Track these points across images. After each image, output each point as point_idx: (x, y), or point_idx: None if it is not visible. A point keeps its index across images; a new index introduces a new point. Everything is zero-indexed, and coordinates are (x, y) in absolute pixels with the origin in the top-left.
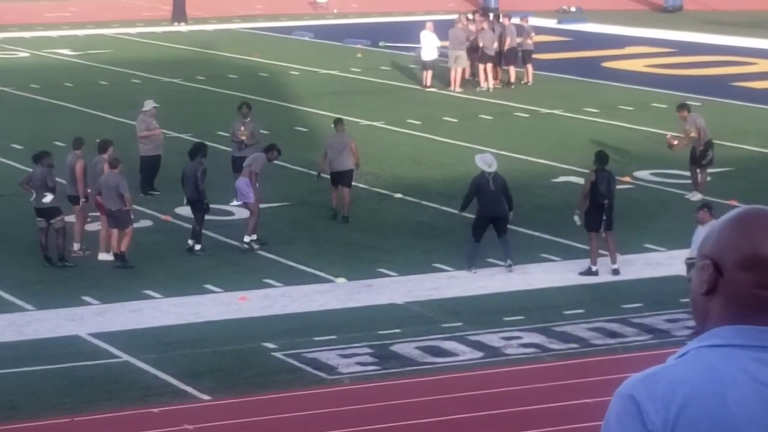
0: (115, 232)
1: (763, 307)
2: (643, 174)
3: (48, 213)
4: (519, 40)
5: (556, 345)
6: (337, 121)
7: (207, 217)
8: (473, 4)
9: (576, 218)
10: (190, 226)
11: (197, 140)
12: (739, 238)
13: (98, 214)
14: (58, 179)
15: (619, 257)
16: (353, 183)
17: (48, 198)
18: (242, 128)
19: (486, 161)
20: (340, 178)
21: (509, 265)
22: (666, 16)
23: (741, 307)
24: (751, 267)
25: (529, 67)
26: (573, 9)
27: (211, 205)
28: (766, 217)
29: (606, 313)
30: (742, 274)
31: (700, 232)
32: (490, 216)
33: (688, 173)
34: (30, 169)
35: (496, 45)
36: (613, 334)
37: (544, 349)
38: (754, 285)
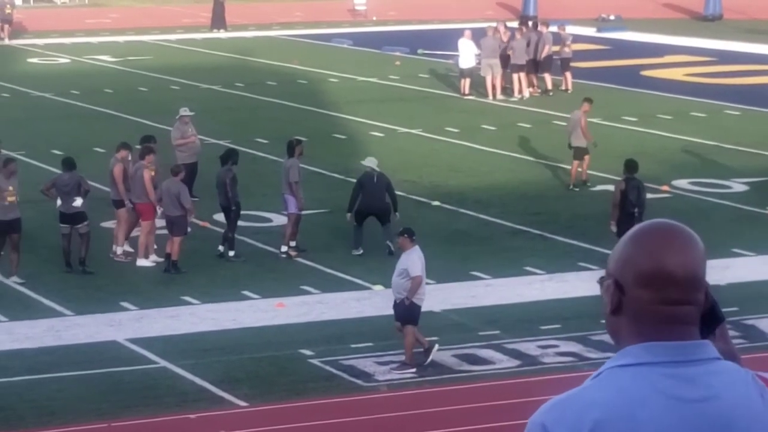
0: (177, 239)
1: (668, 323)
2: (682, 183)
3: (75, 218)
4: (555, 48)
5: (593, 354)
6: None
7: (245, 223)
8: (512, 12)
9: (612, 228)
10: (228, 233)
11: (238, 147)
12: (637, 255)
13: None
14: (96, 185)
15: None
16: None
17: (78, 202)
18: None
19: (372, 161)
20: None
21: (390, 251)
22: (706, 24)
23: (647, 324)
24: (650, 283)
25: (568, 74)
26: (612, 17)
27: (250, 212)
28: (663, 233)
29: None
30: (642, 291)
31: (402, 260)
32: (371, 211)
33: (725, 182)
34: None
35: (529, 53)
36: None
37: (581, 358)
38: (655, 301)
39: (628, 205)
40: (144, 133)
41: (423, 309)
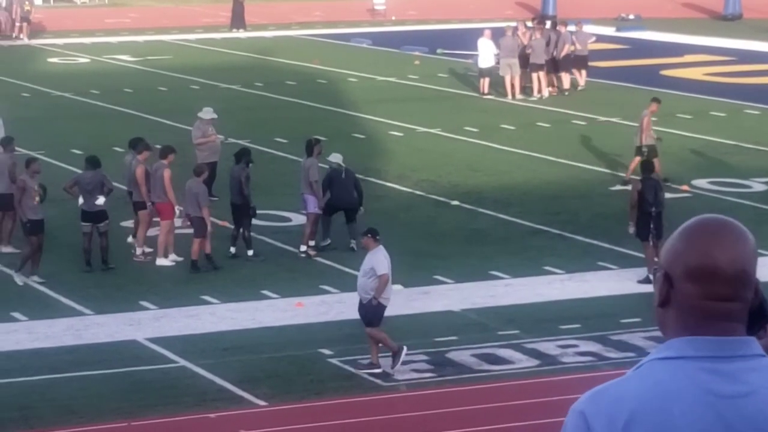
0: (196, 240)
1: (713, 318)
2: (701, 183)
3: (97, 216)
4: (572, 48)
5: (612, 354)
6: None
7: (264, 223)
8: (531, 12)
9: (630, 228)
10: (245, 232)
11: (257, 147)
12: (686, 250)
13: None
14: (115, 184)
15: None
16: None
17: (101, 201)
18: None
19: (338, 157)
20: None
21: (352, 248)
22: (725, 24)
23: (692, 318)
24: (697, 278)
25: (584, 72)
26: (632, 17)
27: (270, 212)
28: (713, 228)
29: None
30: (690, 285)
31: (367, 260)
32: (341, 206)
33: (745, 182)
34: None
35: (548, 53)
36: None
37: (600, 357)
38: (701, 296)
39: (646, 205)
40: (164, 133)
41: (442, 308)
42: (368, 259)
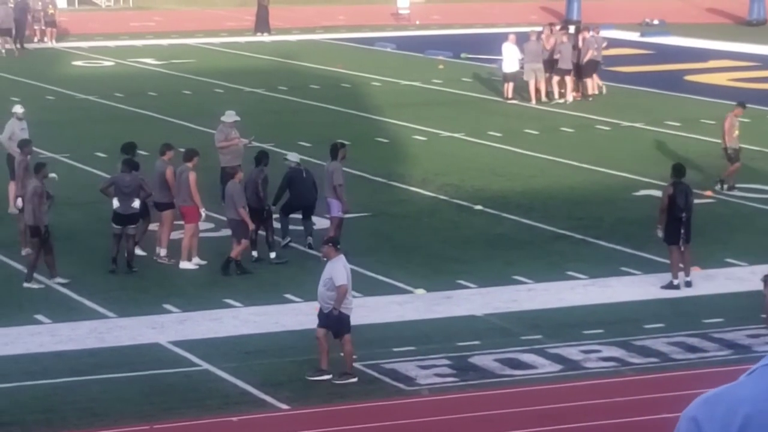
0: (244, 242)
1: None
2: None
3: (130, 219)
4: (595, 53)
5: (635, 359)
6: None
7: (289, 226)
8: (556, 17)
9: (659, 233)
10: (268, 236)
11: (281, 151)
12: None
13: (182, 222)
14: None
15: (700, 272)
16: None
17: (137, 203)
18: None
19: (295, 156)
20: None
21: (309, 244)
22: (750, 29)
23: None
24: None
25: (596, 77)
26: (656, 22)
27: (293, 215)
28: None
29: (687, 328)
30: None
31: (327, 269)
32: (301, 205)
33: None
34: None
35: (573, 58)
36: (693, 349)
37: (623, 363)
38: None
39: (676, 210)
40: (188, 136)
41: (464, 313)
42: (328, 269)
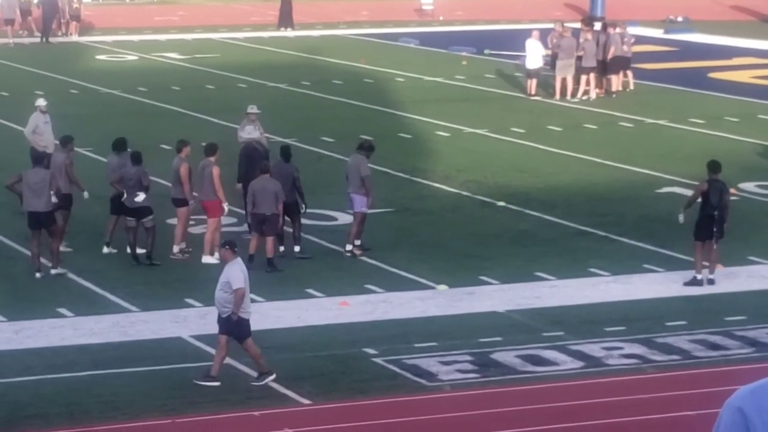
0: (270, 239)
1: None
2: (749, 186)
3: (139, 212)
4: (625, 48)
5: (657, 356)
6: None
7: (311, 222)
8: (579, 13)
9: (680, 217)
10: (291, 230)
11: (304, 146)
12: None
13: (204, 217)
14: (162, 182)
15: (723, 269)
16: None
17: (140, 197)
18: None
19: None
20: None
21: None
22: None
23: None
24: None
25: (627, 73)
26: (680, 19)
27: (316, 211)
28: None
29: (709, 326)
30: None
31: (224, 273)
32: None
33: None
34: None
35: (597, 55)
36: (715, 347)
37: (645, 360)
38: None
39: (709, 208)
40: (211, 131)
41: (486, 309)
42: (225, 272)
